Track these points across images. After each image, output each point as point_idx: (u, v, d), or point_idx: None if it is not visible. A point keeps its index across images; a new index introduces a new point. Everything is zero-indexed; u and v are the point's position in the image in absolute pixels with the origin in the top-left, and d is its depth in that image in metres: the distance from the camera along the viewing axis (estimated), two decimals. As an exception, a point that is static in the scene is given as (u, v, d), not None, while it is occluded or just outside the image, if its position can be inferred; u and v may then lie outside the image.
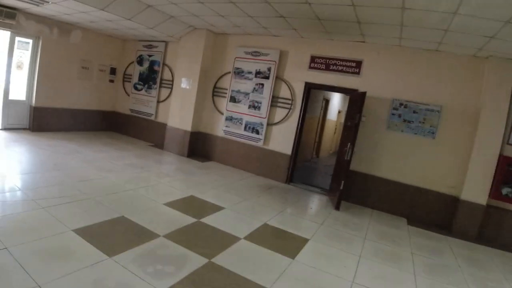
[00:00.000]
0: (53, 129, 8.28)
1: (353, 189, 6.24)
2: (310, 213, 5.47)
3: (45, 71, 7.89)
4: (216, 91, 8.02)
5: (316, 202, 6.16)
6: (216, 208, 4.76)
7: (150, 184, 5.38)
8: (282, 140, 7.13)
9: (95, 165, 5.89)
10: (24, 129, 7.90)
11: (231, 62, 7.70)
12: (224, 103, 7.82)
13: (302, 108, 6.97)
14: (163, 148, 8.32)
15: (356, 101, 5.84)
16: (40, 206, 3.80)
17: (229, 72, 7.73)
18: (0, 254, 2.70)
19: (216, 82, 7.99)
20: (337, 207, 5.70)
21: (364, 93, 5.55)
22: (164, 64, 8.87)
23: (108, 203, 4.26)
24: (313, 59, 6.81)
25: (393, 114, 6.01)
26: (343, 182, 5.56)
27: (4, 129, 7.56)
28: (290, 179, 7.10)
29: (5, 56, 7.35)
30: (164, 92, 8.89)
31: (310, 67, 6.85)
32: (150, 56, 9.04)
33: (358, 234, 4.69)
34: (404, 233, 5.04)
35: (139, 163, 6.52)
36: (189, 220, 4.20)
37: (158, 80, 8.90)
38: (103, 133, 9.32)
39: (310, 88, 6.97)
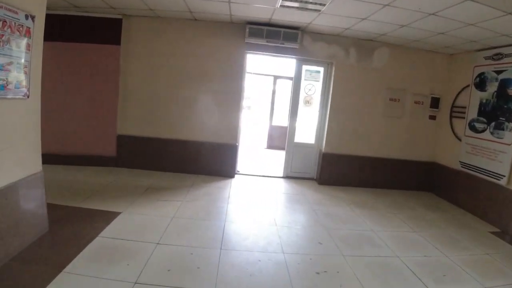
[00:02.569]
0: (344, 182, 6.06)
1: None
2: None
3: (338, 107, 5.88)
4: None
5: None
6: None
7: None
8: None
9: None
10: (309, 179, 6.19)
11: None
12: None
13: None
14: (525, 245, 3.89)
15: None
16: None
17: None
18: None
19: None
20: None
21: None
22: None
23: None
24: None
25: None
26: None
27: (287, 177, 6.15)
28: None
29: (291, 89, 5.99)
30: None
31: None
32: (498, 72, 4.93)
33: None
34: None
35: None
36: None
37: (517, 115, 4.57)
38: (414, 195, 6.05)
39: None
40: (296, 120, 6.05)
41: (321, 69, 5.98)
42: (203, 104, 5.70)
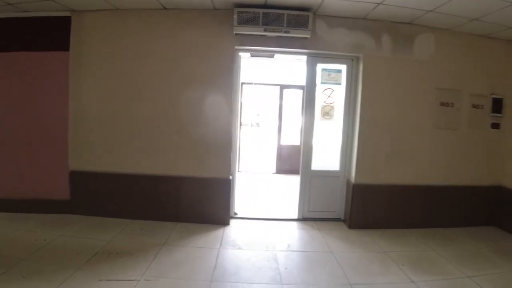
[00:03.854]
0: (384, 223, 4.31)
1: None
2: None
3: (371, 118, 4.19)
4: None
5: None
6: None
7: None
8: None
9: None
10: (335, 221, 4.46)
11: None
12: None
13: None
14: None
15: None
16: None
17: None
18: None
19: None
20: None
21: None
22: None
23: None
24: None
25: None
26: None
27: (303, 219, 4.42)
28: None
29: (302, 97, 4.36)
30: None
31: None
32: None
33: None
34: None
35: None
36: None
37: None
38: (477, 233, 4.24)
39: None
40: (311, 140, 4.37)
41: (343, 67, 4.34)
42: (182, 124, 4.12)
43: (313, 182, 4.38)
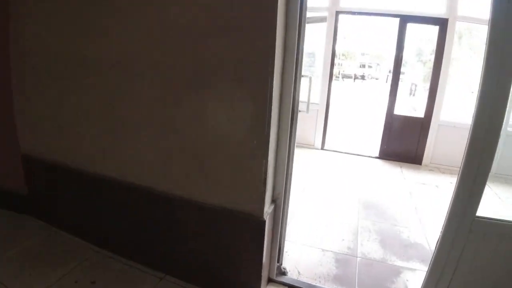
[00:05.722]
0: None
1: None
2: None
3: None
4: None
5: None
6: None
7: None
8: None
9: None
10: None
11: None
12: None
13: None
14: None
15: None
16: None
17: None
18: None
19: None
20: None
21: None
22: None
23: None
24: None
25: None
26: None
27: None
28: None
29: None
30: None
31: None
32: None
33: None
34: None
35: None
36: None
37: None
38: None
39: None
40: (498, 128, 1.60)
41: None
42: (172, 86, 1.89)
43: (477, 250, 1.74)
